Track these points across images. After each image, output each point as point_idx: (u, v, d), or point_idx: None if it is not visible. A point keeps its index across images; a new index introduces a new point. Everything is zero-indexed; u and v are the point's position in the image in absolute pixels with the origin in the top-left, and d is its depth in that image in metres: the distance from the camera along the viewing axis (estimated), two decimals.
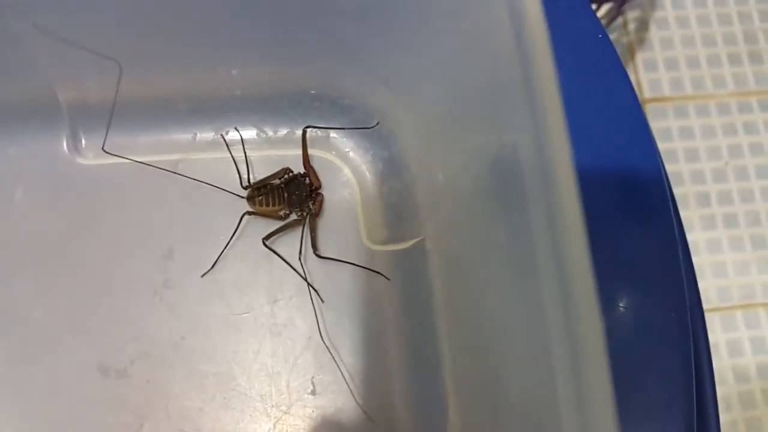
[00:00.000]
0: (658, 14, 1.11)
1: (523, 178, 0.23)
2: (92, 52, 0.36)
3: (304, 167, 0.39)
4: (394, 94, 0.37)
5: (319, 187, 0.39)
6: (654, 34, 1.09)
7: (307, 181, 0.38)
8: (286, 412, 0.35)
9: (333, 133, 0.40)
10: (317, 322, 0.36)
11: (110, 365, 0.36)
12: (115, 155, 0.38)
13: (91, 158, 0.39)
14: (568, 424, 0.21)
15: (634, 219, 0.39)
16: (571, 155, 0.20)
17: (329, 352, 0.36)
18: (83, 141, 0.39)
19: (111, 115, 0.38)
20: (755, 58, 1.09)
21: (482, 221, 0.29)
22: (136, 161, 0.38)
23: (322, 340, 0.36)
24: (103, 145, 0.38)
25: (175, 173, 0.38)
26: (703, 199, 1.02)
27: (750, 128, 1.06)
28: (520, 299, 0.25)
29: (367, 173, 0.40)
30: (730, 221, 1.01)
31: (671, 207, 0.40)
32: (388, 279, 0.37)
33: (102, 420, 0.36)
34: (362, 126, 0.39)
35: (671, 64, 1.08)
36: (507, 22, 0.23)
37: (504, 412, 0.28)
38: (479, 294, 0.31)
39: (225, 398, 0.36)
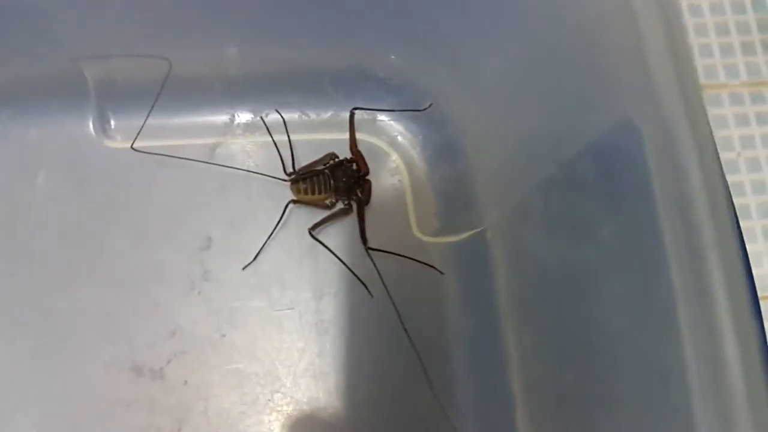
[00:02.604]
0: None
1: (643, 166, 0.20)
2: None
3: (351, 152, 0.36)
4: (453, 71, 0.34)
5: (368, 173, 0.36)
6: None
7: (355, 167, 0.36)
8: (335, 416, 0.33)
9: (380, 116, 0.37)
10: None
11: (144, 363, 0.34)
12: (145, 152, 0.35)
13: (119, 141, 0.36)
14: None
15: None
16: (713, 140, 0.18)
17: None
18: (112, 122, 0.36)
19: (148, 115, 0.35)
20: None
21: (572, 214, 0.27)
22: (169, 155, 0.35)
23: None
24: (133, 143, 0.35)
25: (210, 163, 0.35)
26: None
27: (763, 119, 1.05)
28: (628, 301, 0.23)
29: (417, 159, 0.37)
30: (743, 213, 1.00)
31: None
32: (442, 273, 0.35)
33: (135, 422, 0.33)
34: (413, 108, 0.36)
35: None
36: None
37: (593, 425, 0.26)
38: (562, 293, 0.28)
39: (269, 400, 0.33)
